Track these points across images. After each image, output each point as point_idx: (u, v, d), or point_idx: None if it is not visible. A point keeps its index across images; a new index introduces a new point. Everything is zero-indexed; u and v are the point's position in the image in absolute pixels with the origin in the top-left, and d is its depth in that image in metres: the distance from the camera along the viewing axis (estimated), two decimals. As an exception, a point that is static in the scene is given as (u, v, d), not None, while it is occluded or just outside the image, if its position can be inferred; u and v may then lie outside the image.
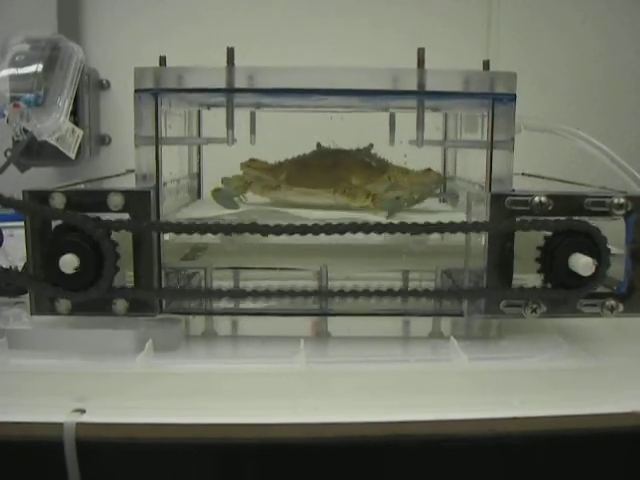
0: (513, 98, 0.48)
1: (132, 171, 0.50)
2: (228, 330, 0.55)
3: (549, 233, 0.48)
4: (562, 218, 0.47)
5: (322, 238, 0.47)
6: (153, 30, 0.96)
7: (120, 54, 0.97)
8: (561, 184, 0.61)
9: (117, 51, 0.97)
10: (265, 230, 0.45)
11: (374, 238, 0.50)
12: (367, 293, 0.47)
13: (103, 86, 0.99)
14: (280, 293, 0.46)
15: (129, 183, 0.50)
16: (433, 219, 0.47)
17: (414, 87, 0.50)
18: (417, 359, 0.49)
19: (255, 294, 0.46)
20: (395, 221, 0.47)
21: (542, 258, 0.47)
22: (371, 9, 0.98)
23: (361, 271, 0.58)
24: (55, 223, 0.47)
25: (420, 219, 0.47)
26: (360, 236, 0.47)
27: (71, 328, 0.49)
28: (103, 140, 0.99)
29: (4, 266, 0.49)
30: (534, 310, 0.48)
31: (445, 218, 0.47)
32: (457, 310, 0.51)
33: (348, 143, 0.67)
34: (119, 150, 0.98)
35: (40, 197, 0.46)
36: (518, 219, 0.47)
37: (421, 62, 0.50)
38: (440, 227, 0.46)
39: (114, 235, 0.46)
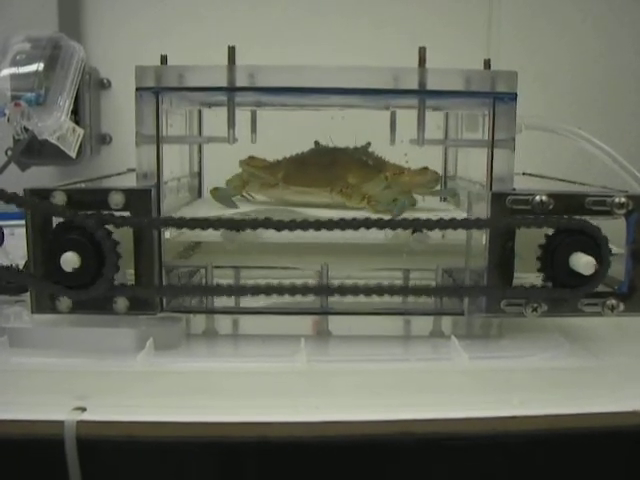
0: (514, 97, 0.48)
1: (133, 170, 0.50)
2: (229, 329, 0.55)
3: (550, 232, 0.48)
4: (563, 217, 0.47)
5: (323, 237, 0.47)
6: (154, 29, 0.96)
7: (121, 53, 0.97)
8: (562, 183, 0.61)
9: (118, 50, 0.97)
10: (266, 225, 0.45)
11: (375, 237, 0.50)
12: (368, 290, 0.46)
13: (104, 85, 0.99)
14: (281, 290, 0.46)
15: (130, 182, 0.50)
16: (435, 217, 0.47)
17: (415, 86, 0.50)
18: (418, 358, 0.49)
19: (256, 291, 0.46)
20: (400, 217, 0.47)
21: (543, 257, 0.47)
22: (371, 9, 0.98)
23: (362, 270, 0.58)
24: (56, 221, 0.47)
25: (422, 217, 0.47)
26: (360, 234, 0.47)
27: (72, 326, 0.49)
28: (104, 139, 0.99)
29: (5, 265, 0.49)
30: (535, 309, 0.48)
31: (447, 216, 0.47)
32: (458, 309, 0.51)
33: (349, 142, 0.67)
34: (120, 149, 0.98)
35: (41, 195, 0.46)
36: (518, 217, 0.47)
37: (422, 61, 0.50)
38: (444, 224, 0.46)
39: (115, 234, 0.46)
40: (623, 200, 0.47)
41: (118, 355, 0.47)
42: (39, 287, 0.47)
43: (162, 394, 0.42)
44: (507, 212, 0.47)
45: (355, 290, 0.47)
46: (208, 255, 0.56)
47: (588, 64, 0.99)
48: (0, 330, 0.49)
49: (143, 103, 0.48)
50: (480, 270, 0.49)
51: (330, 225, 0.45)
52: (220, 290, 0.48)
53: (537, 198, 0.47)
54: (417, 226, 0.47)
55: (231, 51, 0.50)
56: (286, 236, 0.47)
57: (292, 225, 0.45)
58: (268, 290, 0.46)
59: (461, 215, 0.50)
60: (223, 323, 0.55)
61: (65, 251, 0.45)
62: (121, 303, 0.47)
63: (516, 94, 0.48)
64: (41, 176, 0.88)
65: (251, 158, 0.68)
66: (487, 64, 0.52)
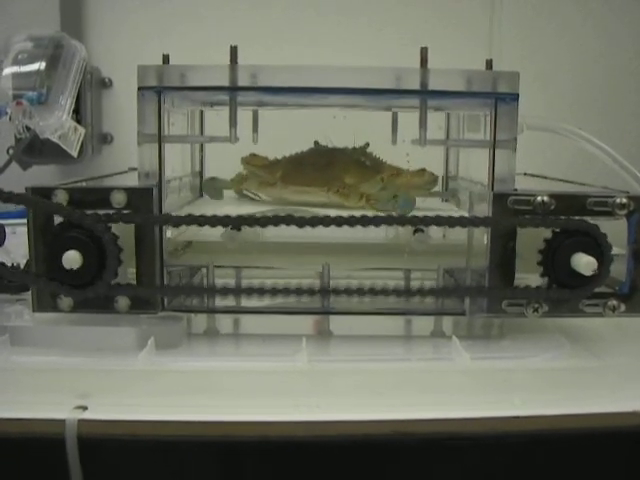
0: (516, 97, 0.48)
1: (134, 169, 0.50)
2: (230, 328, 0.55)
3: (551, 232, 0.48)
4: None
5: (324, 236, 0.47)
6: (155, 29, 0.96)
7: (122, 53, 0.97)
8: (563, 184, 0.61)
9: (119, 50, 0.97)
10: (270, 222, 0.45)
11: (376, 237, 0.50)
12: (370, 291, 0.46)
13: (105, 84, 0.99)
14: (283, 290, 0.46)
15: (132, 181, 0.51)
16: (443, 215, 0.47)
17: (417, 86, 0.50)
18: (419, 358, 0.49)
19: (258, 291, 0.46)
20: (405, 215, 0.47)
21: (544, 257, 0.47)
22: (372, 9, 0.98)
23: (363, 270, 0.58)
24: (58, 220, 0.47)
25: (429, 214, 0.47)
26: (362, 234, 0.47)
27: (73, 325, 0.49)
28: (105, 138, 0.99)
29: (6, 263, 0.49)
30: (536, 309, 0.48)
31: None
32: (459, 309, 0.51)
33: (350, 142, 0.67)
34: (121, 148, 0.98)
35: (43, 194, 0.46)
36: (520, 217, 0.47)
37: (424, 61, 0.50)
38: (452, 221, 0.46)
39: (116, 233, 0.46)
40: (624, 201, 0.47)
41: (119, 354, 0.47)
42: (41, 286, 0.47)
43: (163, 393, 0.42)
44: (509, 212, 0.47)
45: (356, 290, 0.47)
46: (211, 254, 0.56)
47: (588, 64, 1.00)
48: (1, 329, 0.49)
49: (145, 102, 0.48)
50: (481, 270, 0.49)
51: (336, 222, 0.45)
52: (221, 290, 0.48)
53: (539, 198, 0.47)
54: (423, 223, 0.47)
55: (233, 51, 0.50)
56: (287, 235, 0.47)
57: (296, 221, 0.45)
58: (269, 291, 0.46)
59: (462, 215, 0.49)
60: (224, 322, 0.55)
61: (67, 250, 0.45)
62: (122, 302, 0.47)
63: (518, 94, 0.48)
64: (42, 175, 0.88)
65: (252, 155, 0.68)
66: (489, 64, 0.52)
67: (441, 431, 0.39)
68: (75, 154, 0.64)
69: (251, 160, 0.68)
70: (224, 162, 0.68)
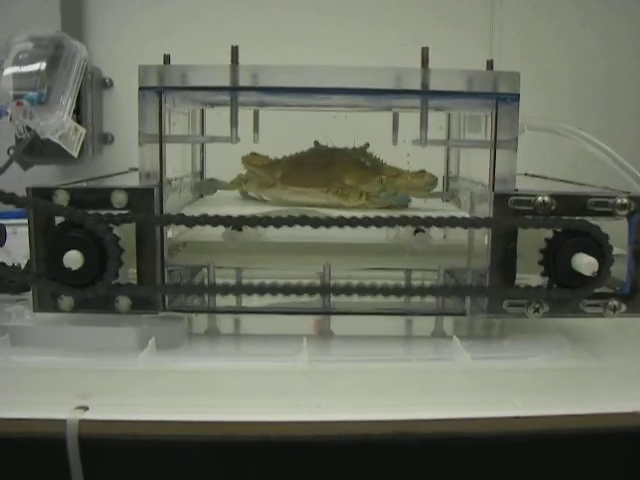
0: (517, 98, 0.48)
1: (135, 169, 0.51)
2: (231, 328, 0.55)
3: (552, 232, 0.48)
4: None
5: (325, 236, 0.47)
6: (155, 29, 0.96)
7: (123, 53, 0.97)
8: (563, 184, 0.61)
9: (120, 50, 0.97)
10: (270, 223, 0.45)
11: (377, 237, 0.50)
12: (370, 290, 0.47)
13: (106, 85, 0.99)
14: (284, 289, 0.46)
15: (132, 181, 0.51)
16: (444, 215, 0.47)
17: (418, 86, 0.50)
18: (419, 358, 0.49)
19: (258, 290, 0.46)
20: (408, 215, 0.47)
21: (545, 258, 0.47)
22: (373, 9, 0.98)
23: (363, 270, 0.58)
24: (59, 220, 0.47)
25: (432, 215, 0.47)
26: (363, 234, 0.47)
27: (74, 325, 0.49)
28: (106, 139, 0.99)
29: (7, 264, 0.49)
30: (537, 310, 0.48)
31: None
32: (460, 309, 0.51)
33: (351, 142, 0.67)
34: (121, 149, 0.98)
35: (43, 194, 0.46)
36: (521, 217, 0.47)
37: (425, 61, 0.50)
38: (454, 222, 0.46)
39: (117, 233, 0.46)
40: (625, 201, 0.47)
41: (120, 354, 0.47)
42: (41, 286, 0.47)
43: (164, 393, 0.42)
44: (509, 213, 0.47)
45: (357, 290, 0.47)
46: (209, 255, 0.56)
47: (588, 64, 1.00)
48: (2, 329, 0.49)
49: (146, 102, 0.48)
50: (482, 270, 0.49)
51: (337, 223, 0.45)
52: (222, 289, 0.48)
53: (539, 199, 0.47)
54: (425, 224, 0.47)
55: (234, 51, 0.50)
56: (288, 235, 0.47)
57: (297, 222, 0.45)
58: (270, 290, 0.46)
59: (464, 216, 0.49)
60: (225, 322, 0.55)
61: (67, 250, 0.45)
62: (123, 302, 0.47)
63: (519, 95, 0.48)
64: (43, 175, 0.88)
65: (253, 155, 0.68)
66: (490, 65, 0.52)
67: (442, 431, 0.39)
68: (76, 154, 0.65)
69: (251, 159, 0.68)
70: (225, 162, 0.68)
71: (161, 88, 0.48)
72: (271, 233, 0.47)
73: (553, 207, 0.47)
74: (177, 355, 0.48)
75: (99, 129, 0.98)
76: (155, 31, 0.96)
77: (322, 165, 0.65)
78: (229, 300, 0.52)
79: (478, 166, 0.54)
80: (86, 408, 0.38)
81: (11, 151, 0.76)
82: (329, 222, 0.45)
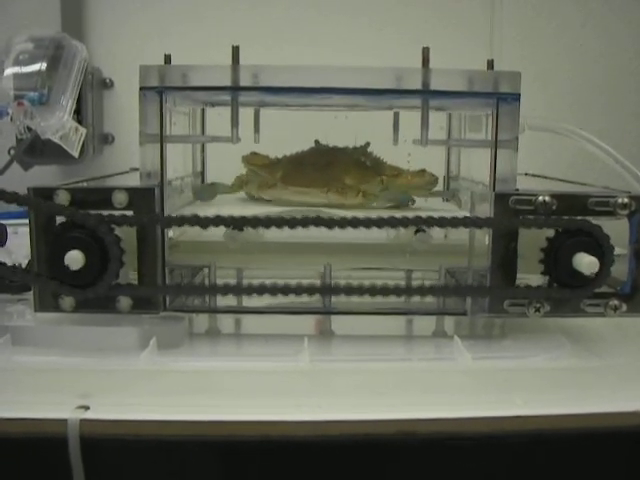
0: (517, 97, 0.48)
1: (136, 169, 0.51)
2: (231, 328, 0.55)
3: (553, 232, 0.48)
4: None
5: (325, 237, 0.47)
6: (156, 29, 0.96)
7: (123, 53, 0.97)
8: (564, 184, 0.61)
9: (120, 50, 0.97)
10: (270, 224, 0.45)
11: (377, 236, 0.50)
12: (371, 290, 0.47)
13: (106, 85, 0.99)
14: (284, 289, 0.46)
15: (133, 181, 0.51)
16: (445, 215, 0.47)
17: (418, 86, 0.50)
18: (420, 358, 0.49)
19: (259, 290, 0.46)
20: (410, 215, 0.47)
21: (546, 257, 0.48)
22: (373, 9, 0.98)
23: (364, 270, 0.58)
24: (60, 220, 0.47)
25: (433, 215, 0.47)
26: (362, 234, 0.47)
27: (75, 325, 0.49)
28: (106, 139, 0.99)
29: (8, 263, 0.49)
30: (537, 309, 0.48)
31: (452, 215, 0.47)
32: (460, 309, 0.51)
33: (352, 142, 0.67)
34: (122, 149, 0.98)
35: (44, 194, 0.46)
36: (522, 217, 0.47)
37: (426, 61, 0.50)
38: (455, 222, 0.46)
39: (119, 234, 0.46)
40: (626, 201, 0.47)
41: (121, 354, 0.47)
42: (42, 285, 0.47)
43: (165, 393, 0.42)
44: (510, 212, 0.47)
45: (358, 290, 0.47)
46: (210, 255, 0.56)
47: (588, 64, 1.00)
48: (3, 329, 0.49)
49: (147, 102, 0.48)
50: (483, 270, 0.49)
51: (338, 224, 0.45)
52: (223, 289, 0.48)
53: (540, 198, 0.47)
54: (426, 224, 0.47)
55: (235, 51, 0.50)
56: (289, 235, 0.47)
57: (299, 223, 0.45)
58: (271, 290, 0.47)
59: (465, 215, 0.50)
60: (226, 322, 0.55)
61: (69, 250, 0.45)
62: (124, 302, 0.47)
63: (519, 94, 0.48)
64: (43, 175, 0.88)
65: (253, 154, 0.68)
66: (490, 64, 0.52)
67: (442, 431, 0.39)
68: (76, 154, 0.65)
69: (252, 159, 0.68)
70: (225, 162, 0.68)
71: (162, 88, 0.48)
72: (272, 233, 0.47)
73: (554, 207, 0.47)
74: (178, 355, 0.48)
75: (99, 129, 0.98)
76: (155, 31, 0.96)
77: (322, 165, 0.65)
78: (230, 300, 0.52)
79: (479, 166, 0.54)
80: (87, 408, 0.38)
81: (12, 151, 0.76)
82: (330, 223, 0.45)
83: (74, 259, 0.45)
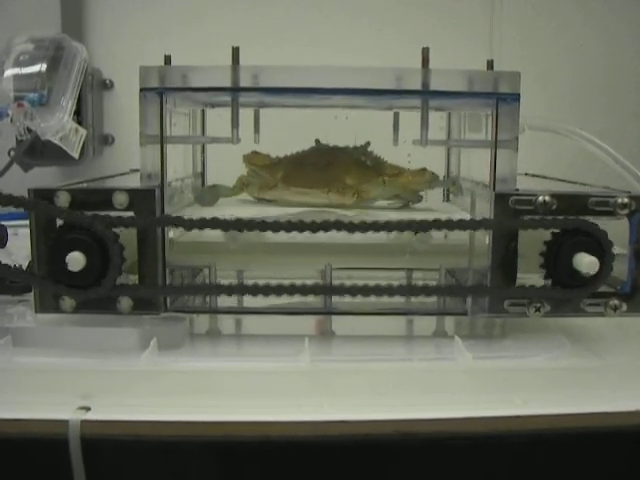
0: (517, 98, 0.48)
1: (136, 170, 0.51)
2: (232, 328, 0.55)
3: (553, 232, 0.48)
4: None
5: (326, 237, 0.47)
6: (156, 30, 0.96)
7: (123, 54, 0.97)
8: (564, 184, 0.61)
9: (120, 51, 0.97)
10: (271, 227, 0.46)
11: (377, 237, 0.50)
12: (372, 290, 0.47)
13: (106, 86, 0.99)
14: (284, 289, 0.46)
15: (133, 182, 0.51)
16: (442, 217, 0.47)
17: (418, 86, 0.50)
18: (421, 358, 0.49)
19: (260, 290, 0.46)
20: (408, 218, 0.47)
21: (546, 257, 0.48)
22: (373, 9, 0.98)
23: (365, 270, 0.58)
24: (60, 221, 0.47)
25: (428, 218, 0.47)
26: (363, 234, 0.47)
27: (75, 326, 0.49)
28: (106, 140, 0.99)
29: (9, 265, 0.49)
30: (538, 309, 0.48)
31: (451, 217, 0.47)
32: (461, 309, 0.51)
33: (352, 142, 0.67)
34: (122, 150, 0.98)
35: (45, 196, 0.46)
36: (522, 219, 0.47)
37: (425, 61, 0.50)
38: (451, 225, 0.46)
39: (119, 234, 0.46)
40: (626, 200, 0.47)
41: (122, 354, 0.47)
42: (43, 286, 0.47)
43: (166, 393, 0.42)
44: (510, 212, 0.47)
45: (358, 290, 0.47)
46: (210, 255, 0.57)
47: (588, 64, 0.99)
48: (3, 330, 0.49)
49: (147, 103, 0.48)
50: (483, 270, 0.49)
51: (337, 227, 0.45)
52: (223, 290, 0.48)
53: (540, 198, 0.47)
54: (426, 228, 0.47)
55: (235, 51, 0.50)
56: (289, 236, 0.47)
57: (301, 226, 0.45)
58: (272, 290, 0.47)
59: (465, 216, 0.50)
60: (226, 323, 0.55)
61: (69, 251, 0.45)
62: (125, 303, 0.47)
63: (519, 94, 0.48)
64: (44, 177, 0.87)
65: (254, 153, 0.68)
66: (490, 65, 0.52)
67: (443, 431, 0.39)
68: (76, 156, 0.65)
69: (252, 158, 0.68)
70: (226, 163, 0.68)
71: (162, 89, 0.48)
72: (272, 233, 0.47)
73: (554, 207, 0.47)
74: (179, 355, 0.48)
75: (100, 130, 0.98)
76: (155, 31, 0.96)
77: (323, 165, 0.65)
78: (230, 300, 0.52)
79: (479, 166, 0.55)
80: (88, 408, 0.38)
81: (12, 153, 0.76)
82: (329, 226, 0.45)
83: (75, 260, 0.45)
